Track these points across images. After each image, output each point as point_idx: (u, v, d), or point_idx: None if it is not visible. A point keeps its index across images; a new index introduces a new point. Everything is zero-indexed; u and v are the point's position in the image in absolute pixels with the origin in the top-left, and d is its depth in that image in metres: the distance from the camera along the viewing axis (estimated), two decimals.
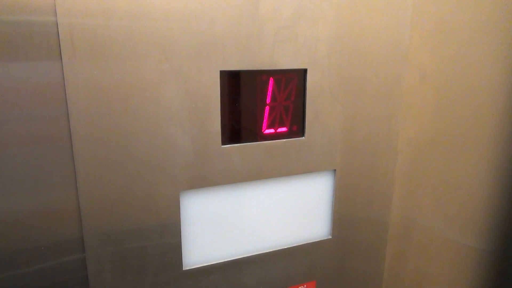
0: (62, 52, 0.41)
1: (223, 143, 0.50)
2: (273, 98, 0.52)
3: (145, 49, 0.44)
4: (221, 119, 0.49)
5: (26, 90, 0.41)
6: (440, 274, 0.73)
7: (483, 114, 0.67)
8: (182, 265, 0.53)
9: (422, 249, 0.73)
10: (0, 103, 0.40)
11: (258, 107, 0.52)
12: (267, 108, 0.52)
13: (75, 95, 0.42)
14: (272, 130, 0.53)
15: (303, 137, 0.55)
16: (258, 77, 0.51)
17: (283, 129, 0.54)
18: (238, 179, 0.53)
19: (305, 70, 0.52)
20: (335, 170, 0.59)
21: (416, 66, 0.61)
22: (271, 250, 0.58)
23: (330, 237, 0.62)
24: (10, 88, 0.40)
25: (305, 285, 0.62)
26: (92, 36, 0.41)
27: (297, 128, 0.55)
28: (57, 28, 0.40)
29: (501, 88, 0.62)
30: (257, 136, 0.53)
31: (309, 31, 0.51)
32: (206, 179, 0.50)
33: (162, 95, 0.46)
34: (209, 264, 0.54)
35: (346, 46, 0.54)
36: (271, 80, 0.51)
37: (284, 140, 0.54)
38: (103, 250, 0.48)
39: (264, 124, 0.53)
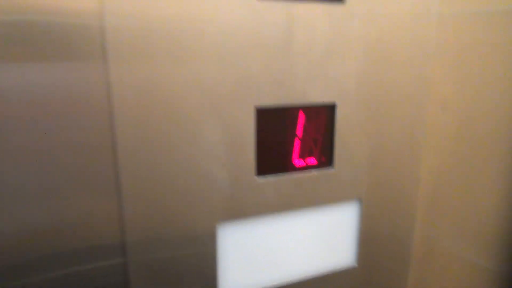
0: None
1: (258, 175, 0.52)
2: (304, 131, 0.54)
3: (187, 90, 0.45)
4: (256, 152, 0.51)
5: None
6: None
7: (502, 143, 0.69)
8: None
9: (443, 273, 0.73)
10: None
11: (290, 140, 0.53)
12: (298, 141, 0.54)
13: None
14: (302, 162, 0.54)
15: (332, 168, 0.56)
16: (290, 111, 0.52)
17: (313, 160, 0.55)
18: (271, 210, 0.54)
19: (334, 104, 0.54)
20: (361, 199, 0.60)
21: (438, 97, 0.63)
22: (300, 279, 0.59)
23: (356, 265, 0.63)
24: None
25: None
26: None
27: (326, 159, 0.56)
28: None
29: None
30: (289, 168, 0.54)
31: (339, 67, 0.53)
32: (241, 211, 0.52)
33: (201, 130, 0.47)
34: None
35: (373, 80, 0.55)
36: (302, 114, 0.53)
37: (313, 171, 0.55)
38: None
39: (295, 156, 0.54)
